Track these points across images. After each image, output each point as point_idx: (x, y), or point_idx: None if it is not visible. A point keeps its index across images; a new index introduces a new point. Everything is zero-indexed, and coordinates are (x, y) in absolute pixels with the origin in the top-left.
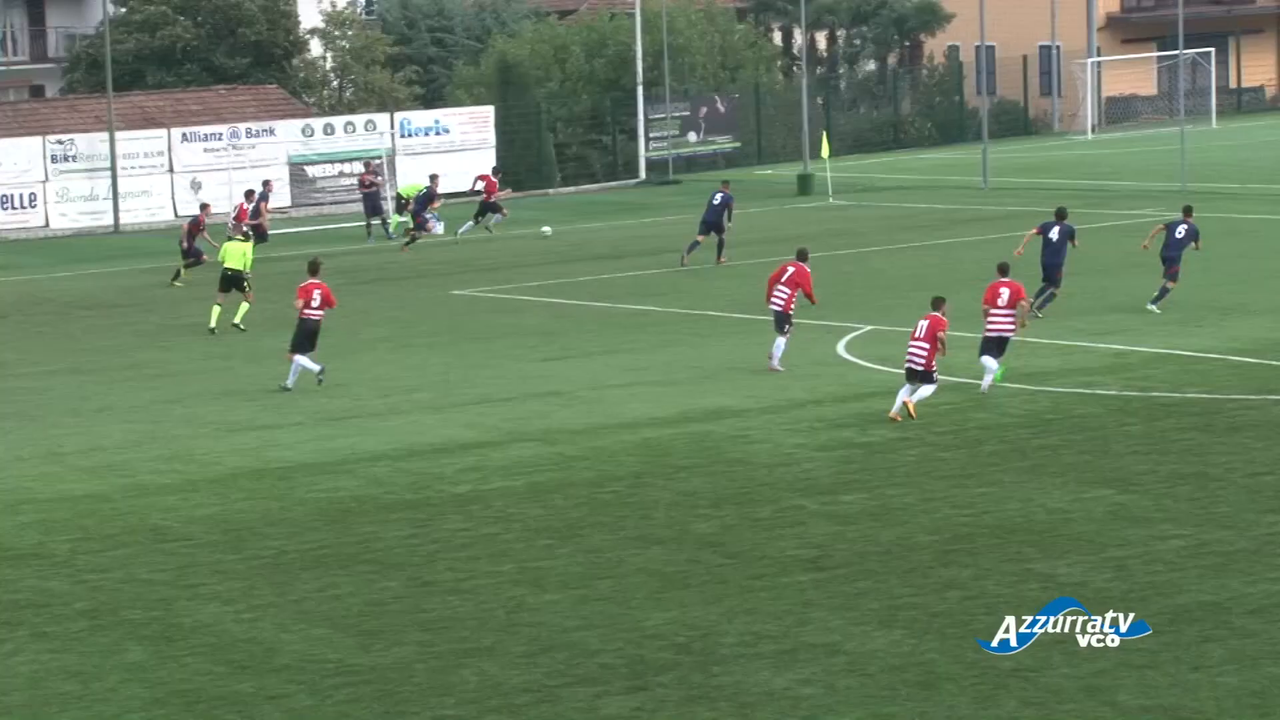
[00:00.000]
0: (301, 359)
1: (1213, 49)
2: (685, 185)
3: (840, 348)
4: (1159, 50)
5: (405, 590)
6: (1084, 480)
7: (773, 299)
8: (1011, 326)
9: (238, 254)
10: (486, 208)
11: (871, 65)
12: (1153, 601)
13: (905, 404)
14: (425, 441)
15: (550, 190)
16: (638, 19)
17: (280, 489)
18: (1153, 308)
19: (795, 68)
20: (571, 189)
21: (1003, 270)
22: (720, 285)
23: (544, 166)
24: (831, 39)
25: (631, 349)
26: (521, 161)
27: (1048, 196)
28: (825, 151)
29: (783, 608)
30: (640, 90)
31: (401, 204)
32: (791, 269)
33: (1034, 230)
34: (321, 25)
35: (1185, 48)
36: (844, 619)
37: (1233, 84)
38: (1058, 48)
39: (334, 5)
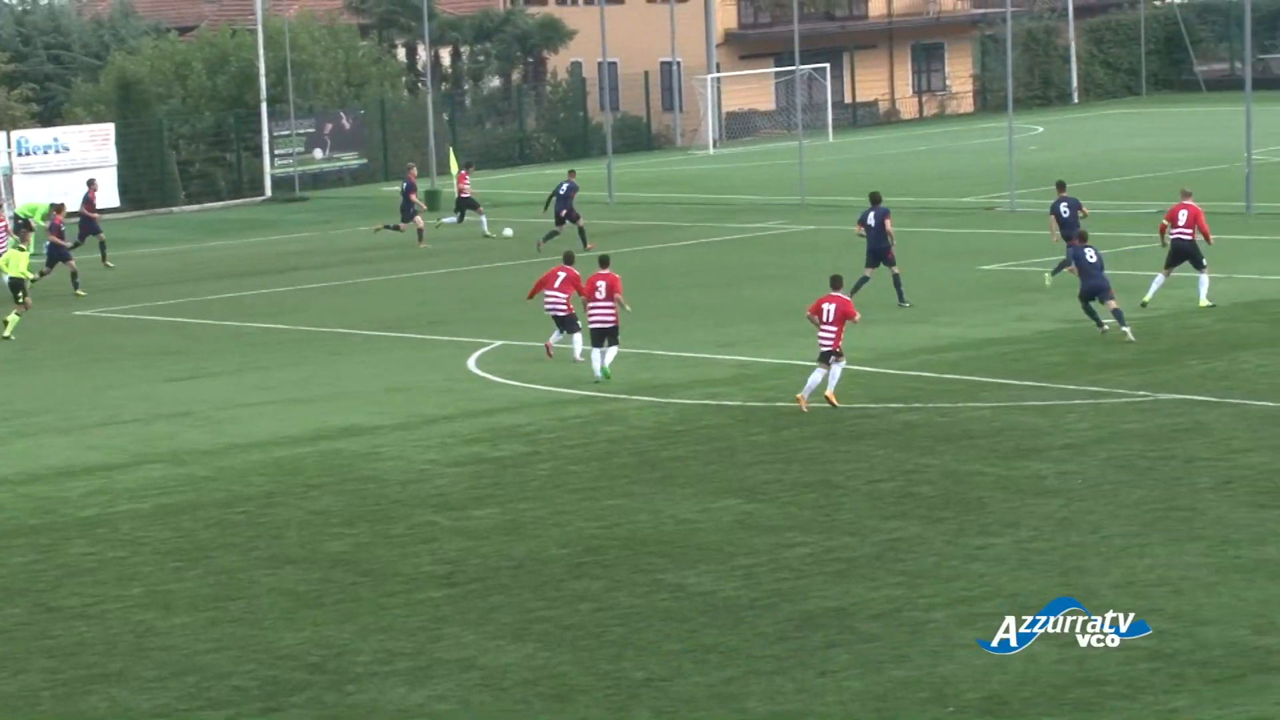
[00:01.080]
0: None
1: (828, 65)
2: (313, 202)
3: (471, 363)
4: (776, 66)
5: (29, 617)
6: (712, 490)
7: (549, 303)
8: (612, 316)
9: (21, 261)
10: (465, 204)
11: (496, 81)
12: (780, 608)
13: (826, 397)
14: (49, 465)
15: (174, 208)
16: (259, 36)
17: None
18: (1051, 276)
19: (420, 84)
20: (196, 207)
21: (603, 263)
22: (349, 302)
23: (167, 184)
24: (456, 55)
25: (261, 367)
26: (144, 179)
27: (673, 210)
28: (453, 168)
29: (416, 624)
30: (264, 107)
31: (19, 224)
32: (563, 274)
33: (859, 226)
34: None
35: (802, 63)
36: (478, 634)
37: (848, 99)
38: (678, 64)
39: None
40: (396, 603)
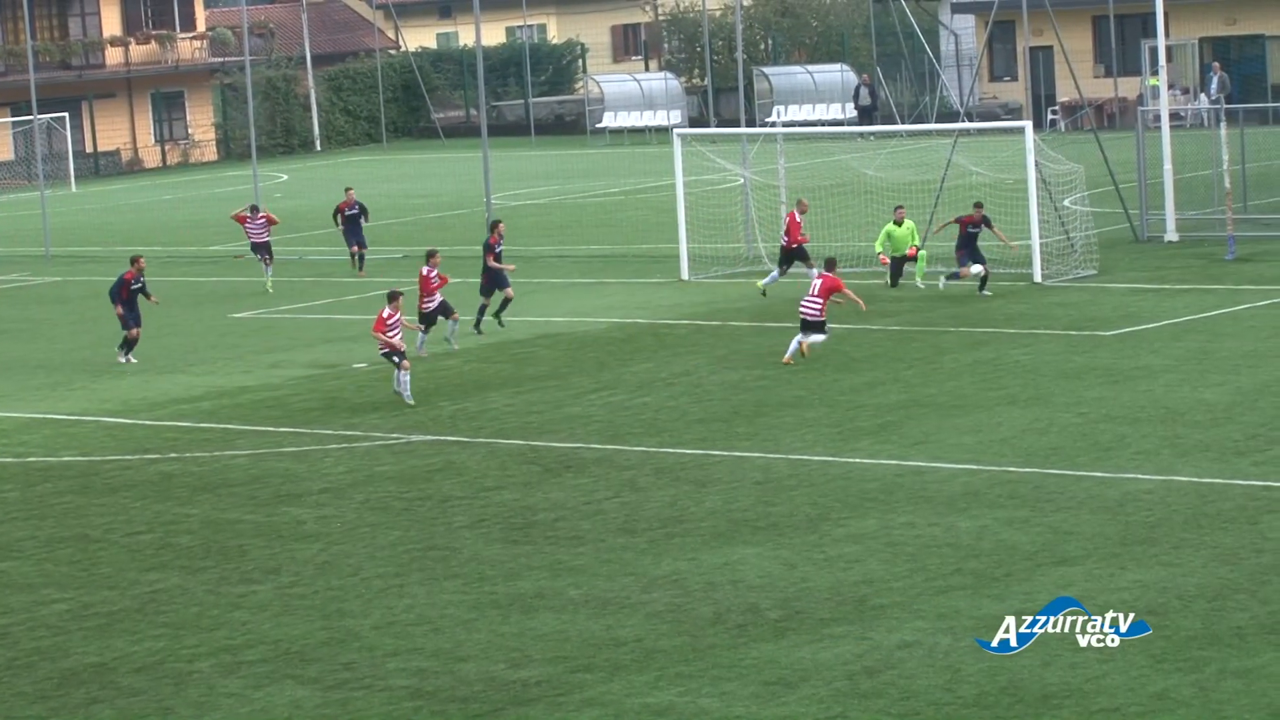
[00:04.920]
0: None
1: (67, 114)
2: None
3: None
4: (13, 115)
5: None
6: None
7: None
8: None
9: None
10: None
11: None
12: (39, 667)
13: (800, 346)
14: None
15: None
16: None
17: None
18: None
19: None
20: None
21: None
22: None
23: None
24: None
25: None
26: None
27: None
28: None
29: None
30: None
31: None
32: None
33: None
34: None
35: (40, 113)
36: None
37: (89, 148)
38: None
39: None
40: None
